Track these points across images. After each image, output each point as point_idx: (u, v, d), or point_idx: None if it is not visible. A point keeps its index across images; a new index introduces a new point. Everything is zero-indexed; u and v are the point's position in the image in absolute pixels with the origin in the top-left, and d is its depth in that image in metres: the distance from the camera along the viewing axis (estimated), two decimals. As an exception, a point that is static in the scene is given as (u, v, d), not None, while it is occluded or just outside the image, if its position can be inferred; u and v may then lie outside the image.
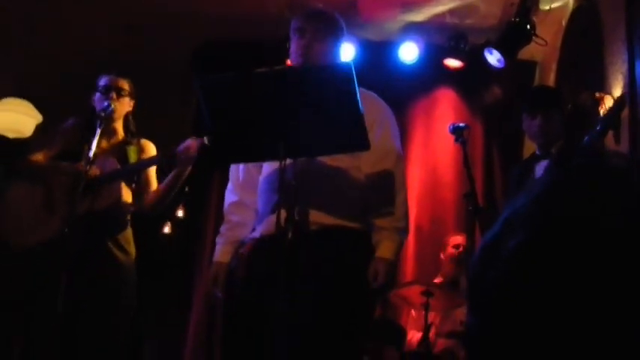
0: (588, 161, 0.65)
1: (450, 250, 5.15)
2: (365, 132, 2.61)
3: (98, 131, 3.57)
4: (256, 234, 3.05)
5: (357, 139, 2.63)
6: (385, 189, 3.01)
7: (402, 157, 3.16)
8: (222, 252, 3.18)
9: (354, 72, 2.53)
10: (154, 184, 3.91)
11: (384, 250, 2.94)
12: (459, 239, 5.18)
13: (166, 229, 7.75)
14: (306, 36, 2.99)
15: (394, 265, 3.01)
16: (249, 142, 2.71)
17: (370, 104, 3.06)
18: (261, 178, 3.11)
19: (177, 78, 6.37)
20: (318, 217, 2.89)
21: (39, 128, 5.95)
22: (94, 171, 3.58)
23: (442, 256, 5.20)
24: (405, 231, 3.04)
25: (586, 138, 3.22)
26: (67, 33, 6.23)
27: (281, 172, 2.65)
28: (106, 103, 3.75)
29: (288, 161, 2.70)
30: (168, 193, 3.81)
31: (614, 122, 3.35)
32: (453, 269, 5.11)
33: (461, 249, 5.12)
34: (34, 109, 6.00)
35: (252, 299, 2.88)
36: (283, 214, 2.64)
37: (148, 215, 3.93)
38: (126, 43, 6.39)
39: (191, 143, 3.59)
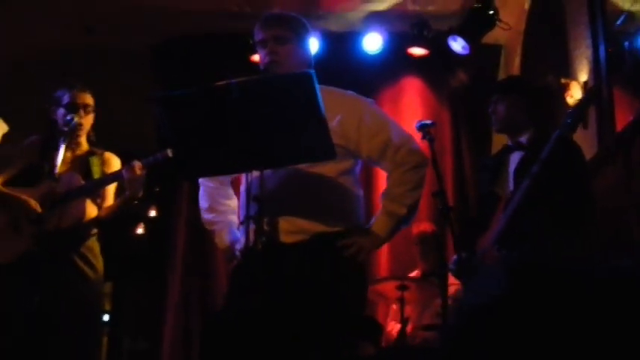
0: (541, 270, 0.63)
1: (415, 238, 5.15)
2: (329, 140, 2.56)
3: (62, 147, 3.54)
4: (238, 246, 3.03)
5: (321, 148, 2.58)
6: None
7: (401, 144, 2.99)
8: (222, 238, 3.14)
9: (315, 80, 2.47)
10: (109, 200, 3.88)
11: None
12: (421, 226, 5.15)
13: (140, 230, 7.73)
14: (268, 45, 2.94)
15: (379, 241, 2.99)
16: (212, 157, 2.66)
17: (344, 103, 3.02)
18: (240, 189, 3.08)
19: (139, 76, 6.30)
20: (292, 227, 2.84)
21: (5, 138, 5.85)
22: (60, 189, 3.56)
23: (413, 248, 5.20)
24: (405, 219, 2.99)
25: (557, 132, 3.19)
26: (23, 32, 6.10)
27: (247, 185, 2.61)
28: (69, 117, 3.70)
29: (256, 173, 2.66)
30: (118, 211, 3.81)
31: (583, 114, 3.32)
32: (422, 257, 5.11)
33: (426, 234, 5.11)
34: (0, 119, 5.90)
35: (230, 313, 2.85)
36: (253, 227, 2.61)
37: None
38: (85, 42, 6.28)
39: (134, 164, 3.60)
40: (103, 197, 3.86)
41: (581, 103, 3.29)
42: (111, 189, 3.88)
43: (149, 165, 3.62)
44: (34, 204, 3.58)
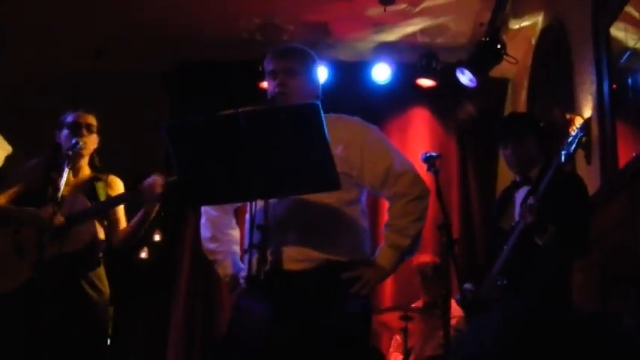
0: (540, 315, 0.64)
1: (415, 269, 5.15)
2: (334, 171, 2.58)
3: (66, 170, 3.49)
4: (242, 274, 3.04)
5: (326, 179, 2.60)
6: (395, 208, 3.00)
7: (402, 172, 3.00)
8: (225, 268, 3.15)
9: (321, 112, 2.50)
10: (122, 222, 3.83)
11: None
12: (421, 257, 5.12)
13: (143, 255, 7.71)
14: (278, 77, 2.98)
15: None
16: (217, 185, 2.68)
17: (348, 130, 3.04)
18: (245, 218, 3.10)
19: (149, 102, 6.34)
20: (299, 255, 2.85)
21: (9, 159, 5.87)
22: (59, 219, 3.48)
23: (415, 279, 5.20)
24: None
25: (553, 165, 3.21)
26: (33, 56, 6.16)
27: (252, 214, 2.63)
28: (74, 141, 3.65)
29: (261, 203, 2.69)
30: (137, 232, 3.74)
31: (577, 147, 3.33)
32: (423, 287, 5.11)
33: (426, 265, 5.10)
34: (2, 140, 5.92)
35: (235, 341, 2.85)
36: (256, 256, 2.64)
37: (118, 251, 3.84)
38: (95, 67, 6.33)
39: (156, 180, 3.53)
40: (116, 220, 3.81)
41: (575, 136, 3.29)
42: (121, 212, 3.84)
43: (172, 185, 3.54)
44: (45, 212, 3.47)
